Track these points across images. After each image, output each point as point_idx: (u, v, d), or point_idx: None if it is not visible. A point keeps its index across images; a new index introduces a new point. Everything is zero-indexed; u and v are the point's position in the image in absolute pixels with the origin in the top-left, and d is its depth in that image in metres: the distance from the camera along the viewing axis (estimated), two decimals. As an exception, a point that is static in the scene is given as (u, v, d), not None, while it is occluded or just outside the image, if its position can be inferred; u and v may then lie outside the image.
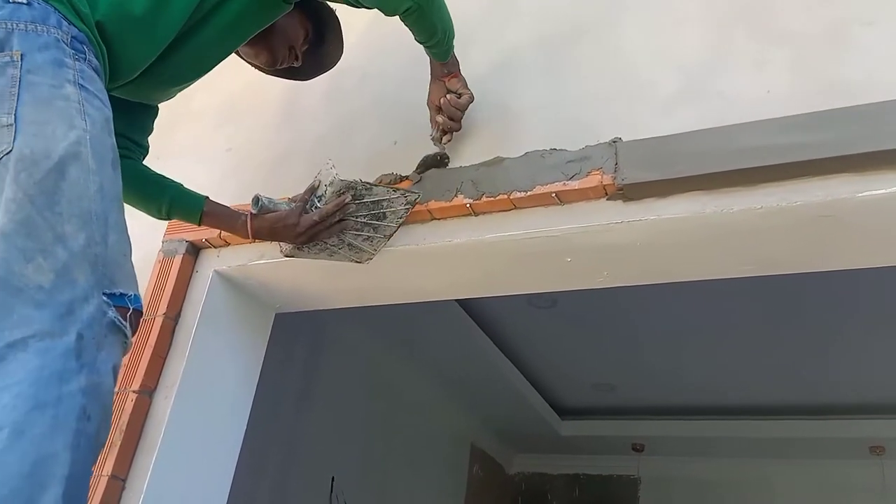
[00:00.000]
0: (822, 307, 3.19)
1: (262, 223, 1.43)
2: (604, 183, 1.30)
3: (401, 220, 1.46)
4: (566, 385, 4.54)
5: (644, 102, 1.36)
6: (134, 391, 1.53)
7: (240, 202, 1.68)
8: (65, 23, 1.09)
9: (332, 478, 3.44)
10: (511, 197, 1.37)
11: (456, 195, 1.43)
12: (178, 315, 1.65)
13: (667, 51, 1.39)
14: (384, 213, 1.42)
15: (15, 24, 1.04)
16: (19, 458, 0.85)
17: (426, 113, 1.61)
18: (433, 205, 1.44)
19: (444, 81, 1.47)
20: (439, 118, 1.47)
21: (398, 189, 1.42)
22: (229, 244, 1.68)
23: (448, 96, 1.46)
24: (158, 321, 1.61)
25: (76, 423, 0.89)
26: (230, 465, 1.64)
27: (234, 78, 1.94)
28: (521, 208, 1.39)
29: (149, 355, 1.57)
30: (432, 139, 1.50)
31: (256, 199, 1.42)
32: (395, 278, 1.61)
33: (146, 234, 1.74)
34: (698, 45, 1.36)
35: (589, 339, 3.91)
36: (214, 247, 1.70)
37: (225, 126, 1.92)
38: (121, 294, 0.99)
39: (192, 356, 1.59)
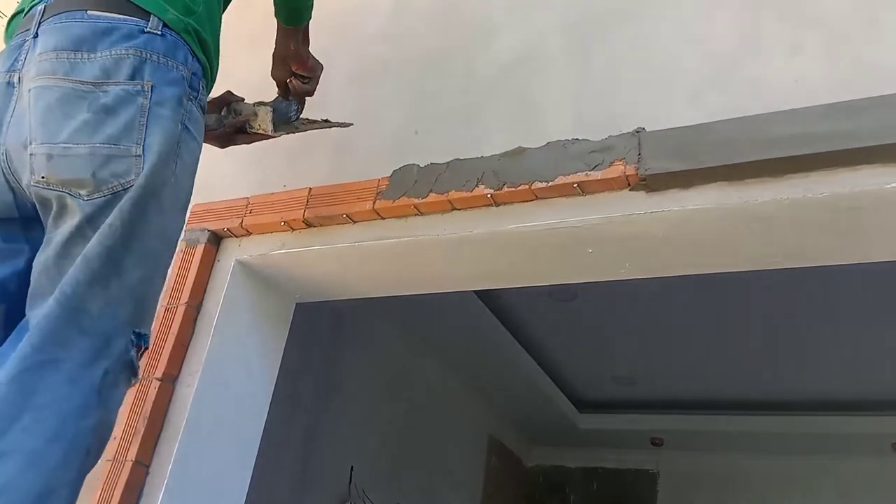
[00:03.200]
0: (849, 300, 3.14)
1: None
2: (627, 173, 1.29)
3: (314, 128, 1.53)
4: (585, 378, 4.52)
5: (670, 91, 1.35)
6: (157, 378, 1.55)
7: (263, 190, 1.69)
8: (190, 58, 1.12)
9: (352, 467, 3.46)
10: (532, 187, 1.37)
11: (477, 185, 1.42)
12: (201, 304, 1.66)
13: (694, 38, 1.37)
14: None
15: (149, 55, 1.06)
16: (29, 487, 0.87)
17: (447, 104, 1.61)
18: (454, 195, 1.44)
19: (293, 67, 1.43)
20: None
21: (329, 123, 1.51)
22: (251, 234, 1.69)
23: (294, 81, 1.45)
24: (181, 310, 1.63)
25: (82, 459, 0.94)
26: (252, 452, 1.65)
27: (255, 65, 1.94)
28: (542, 199, 1.38)
29: (171, 343, 1.58)
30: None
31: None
32: (415, 268, 1.61)
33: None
34: (726, 31, 1.34)
35: (609, 333, 3.89)
36: (236, 236, 1.71)
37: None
38: (144, 334, 1.03)
39: (213, 345, 1.60)
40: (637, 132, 1.32)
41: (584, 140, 1.36)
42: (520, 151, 1.42)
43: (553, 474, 5.31)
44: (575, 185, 1.33)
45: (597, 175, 1.32)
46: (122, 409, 1.51)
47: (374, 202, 1.52)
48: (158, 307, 1.63)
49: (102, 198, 1.00)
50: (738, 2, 1.37)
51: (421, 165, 1.51)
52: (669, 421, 4.61)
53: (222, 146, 1.50)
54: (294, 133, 1.52)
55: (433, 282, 1.69)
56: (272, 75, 1.48)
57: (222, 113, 1.47)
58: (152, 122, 1.04)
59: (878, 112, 1.13)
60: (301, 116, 1.51)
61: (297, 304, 1.85)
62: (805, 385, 4.04)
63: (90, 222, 1.00)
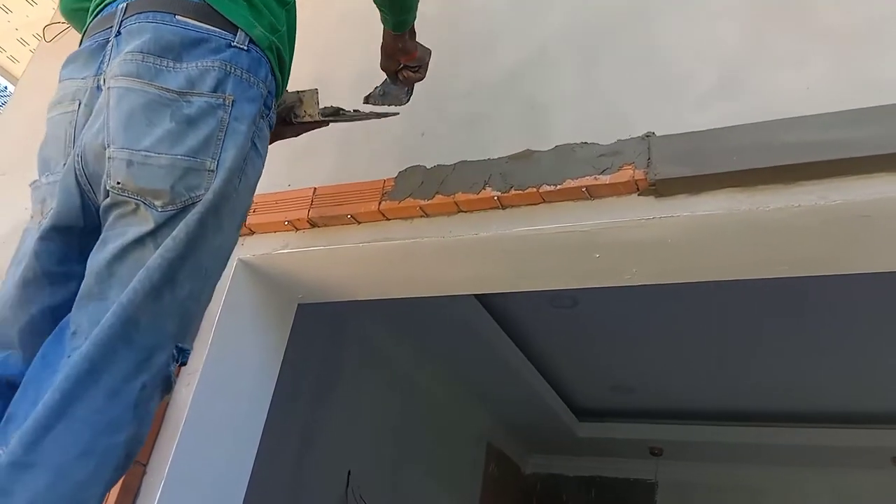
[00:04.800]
0: (852, 312, 3.13)
1: None
2: (635, 178, 1.28)
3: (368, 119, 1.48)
4: (585, 386, 4.50)
5: (679, 97, 1.34)
6: (157, 377, 1.53)
7: (267, 189, 1.67)
8: (270, 75, 1.11)
9: (349, 472, 3.44)
10: (540, 190, 1.35)
11: (484, 188, 1.41)
12: (202, 303, 1.65)
13: (703, 45, 1.36)
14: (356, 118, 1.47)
15: (233, 69, 1.05)
16: (57, 500, 0.85)
17: (454, 106, 1.60)
18: (460, 197, 1.43)
19: (402, 60, 1.41)
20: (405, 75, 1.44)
21: (379, 114, 1.44)
22: (254, 233, 1.68)
23: (405, 72, 1.42)
24: (182, 308, 1.61)
25: (111, 473, 0.91)
26: (250, 454, 1.63)
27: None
28: (549, 202, 1.37)
29: (172, 342, 1.57)
30: (373, 99, 1.47)
31: None
32: (419, 271, 1.60)
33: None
34: (736, 39, 1.34)
35: (609, 341, 3.87)
36: (239, 235, 1.69)
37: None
38: (186, 349, 1.02)
39: (214, 344, 1.58)
40: (647, 136, 1.31)
41: (592, 144, 1.35)
42: (528, 154, 1.41)
43: (551, 482, 5.29)
44: (583, 189, 1.32)
45: (605, 179, 1.31)
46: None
47: (380, 203, 1.50)
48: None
49: (174, 210, 0.99)
50: (748, 12, 1.36)
51: (427, 167, 1.50)
52: (669, 430, 4.60)
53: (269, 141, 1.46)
54: (341, 121, 1.46)
55: (437, 285, 1.68)
56: (381, 67, 1.45)
57: None
58: (229, 138, 1.03)
59: (892, 120, 1.12)
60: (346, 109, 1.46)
61: (298, 304, 1.84)
62: (806, 396, 4.03)
63: (155, 233, 0.98)
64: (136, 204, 0.99)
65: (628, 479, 5.02)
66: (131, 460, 0.95)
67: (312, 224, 1.58)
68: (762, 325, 3.39)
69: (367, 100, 1.47)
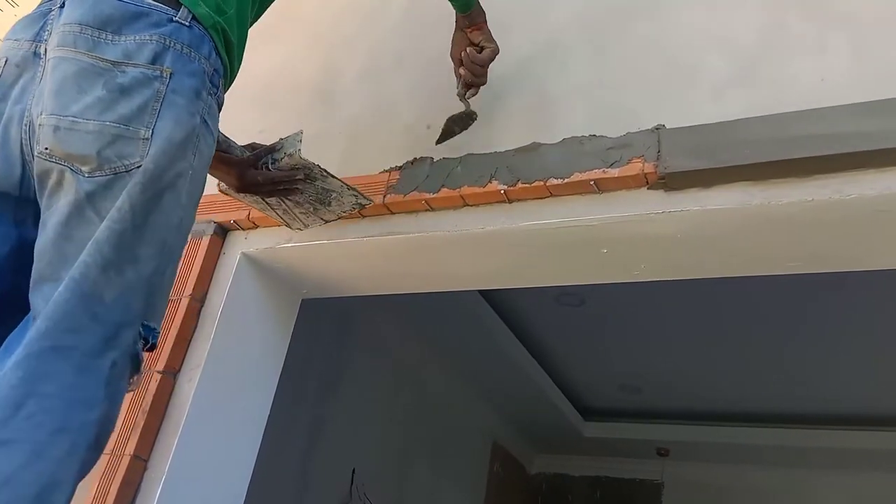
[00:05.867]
0: (865, 310, 3.09)
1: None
2: (645, 171, 1.25)
3: (343, 214, 1.46)
4: (591, 386, 4.48)
5: (690, 88, 1.31)
6: (158, 371, 1.51)
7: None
8: (213, 54, 1.11)
9: (353, 469, 3.42)
10: (547, 184, 1.33)
11: (490, 181, 1.38)
12: (205, 297, 1.63)
13: (716, 34, 1.33)
14: (331, 201, 1.42)
15: (172, 43, 1.05)
16: (34, 480, 0.85)
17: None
18: (466, 190, 1.40)
19: (467, 33, 1.41)
20: (462, 70, 1.41)
21: (353, 189, 1.41)
22: (257, 227, 1.66)
23: (469, 49, 1.40)
24: (184, 302, 1.59)
25: (86, 452, 0.91)
26: (253, 450, 1.61)
27: (267, 59, 1.92)
28: (557, 196, 1.35)
29: (174, 336, 1.55)
30: (458, 95, 1.44)
31: None
32: (425, 266, 1.58)
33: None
34: (749, 28, 1.31)
35: (616, 340, 3.85)
36: (243, 229, 1.68)
37: (257, 107, 1.90)
38: (154, 328, 1.02)
39: (217, 339, 1.57)
40: (656, 129, 1.28)
41: (601, 136, 1.33)
42: (535, 147, 1.38)
43: (556, 482, 5.26)
44: (591, 183, 1.30)
45: (614, 172, 1.28)
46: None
47: (385, 196, 1.48)
48: (162, 299, 1.62)
49: (104, 176, 0.98)
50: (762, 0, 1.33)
51: (433, 160, 1.47)
52: (676, 431, 4.56)
53: (239, 183, 1.38)
54: (309, 208, 1.44)
55: (443, 279, 1.65)
56: (451, 54, 1.44)
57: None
58: (166, 108, 1.02)
59: (910, 112, 1.09)
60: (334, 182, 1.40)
61: (302, 300, 1.82)
62: (816, 397, 3.99)
63: (90, 201, 0.98)
64: (63, 171, 0.99)
65: (634, 479, 4.99)
66: (105, 441, 0.95)
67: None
68: (772, 324, 3.36)
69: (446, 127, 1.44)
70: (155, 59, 1.03)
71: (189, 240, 1.66)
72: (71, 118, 0.99)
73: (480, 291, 3.42)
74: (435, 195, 1.43)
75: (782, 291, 3.01)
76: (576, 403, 4.67)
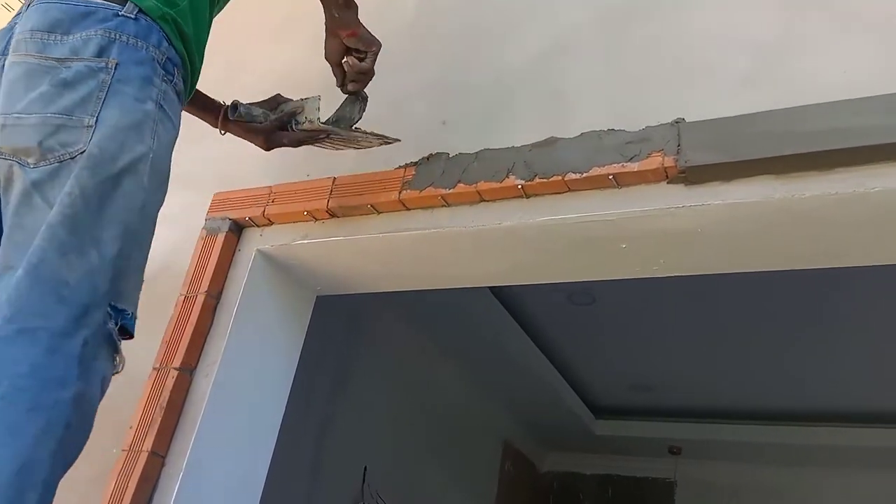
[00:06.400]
0: (875, 308, 3.06)
1: (236, 127, 1.45)
2: (665, 165, 1.24)
3: (371, 146, 1.48)
4: (603, 384, 4.46)
5: (710, 84, 1.30)
6: (175, 368, 1.51)
7: (286, 179, 1.66)
8: (165, 43, 1.13)
9: (365, 467, 3.42)
10: (565, 179, 1.32)
11: (507, 176, 1.38)
12: (220, 293, 1.63)
13: (735, 29, 1.32)
14: (360, 143, 1.47)
15: (118, 35, 1.08)
16: (11, 458, 0.86)
17: (476, 93, 1.57)
18: (483, 186, 1.39)
19: (342, 38, 1.39)
20: (350, 86, 1.42)
21: (378, 135, 1.43)
22: (273, 223, 1.66)
23: (350, 60, 1.40)
24: (200, 299, 1.59)
25: (62, 430, 0.91)
26: (269, 445, 1.61)
27: (278, 56, 1.92)
28: (575, 191, 1.33)
29: (190, 333, 1.55)
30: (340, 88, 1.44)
31: (234, 107, 1.42)
32: (440, 262, 1.57)
33: (189, 211, 1.73)
34: (770, 20, 1.29)
35: (627, 338, 3.83)
36: (258, 226, 1.68)
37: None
38: (123, 310, 1.02)
39: (233, 335, 1.57)
40: (676, 122, 1.27)
41: (619, 130, 1.32)
42: (552, 142, 1.37)
43: (568, 481, 5.25)
44: (610, 177, 1.29)
45: (633, 167, 1.27)
46: (138, 398, 1.50)
47: (400, 192, 1.48)
48: (178, 296, 1.62)
49: (48, 165, 1.01)
50: (783, -10, 1.32)
51: (449, 155, 1.47)
52: (688, 429, 4.54)
53: (267, 147, 1.46)
54: (340, 137, 1.45)
55: (459, 276, 1.65)
56: (326, 57, 1.43)
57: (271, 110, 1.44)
58: (112, 97, 1.05)
59: (936, 103, 1.07)
60: (356, 128, 1.44)
61: (317, 296, 1.81)
62: (828, 395, 3.96)
63: (37, 188, 1.01)
64: (12, 165, 1.03)
65: (647, 477, 4.97)
66: (86, 422, 0.96)
67: (332, 214, 1.56)
68: (783, 322, 3.34)
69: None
70: (101, 53, 1.06)
71: (204, 236, 1.67)
72: (16, 115, 1.04)
73: (491, 289, 3.41)
74: (451, 191, 1.42)
75: (792, 288, 3.00)
76: (587, 401, 4.65)
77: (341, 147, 1.51)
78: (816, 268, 1.33)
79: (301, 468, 3.00)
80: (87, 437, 0.97)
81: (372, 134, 1.44)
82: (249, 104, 1.43)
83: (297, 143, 1.46)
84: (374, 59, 1.41)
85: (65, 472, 0.93)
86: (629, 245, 1.36)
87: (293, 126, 1.40)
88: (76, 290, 0.96)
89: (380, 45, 1.41)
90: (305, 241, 1.59)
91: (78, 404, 0.94)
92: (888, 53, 1.18)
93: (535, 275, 1.60)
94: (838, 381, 3.75)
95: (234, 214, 1.67)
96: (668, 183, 1.26)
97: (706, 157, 1.21)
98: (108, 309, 0.99)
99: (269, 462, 1.62)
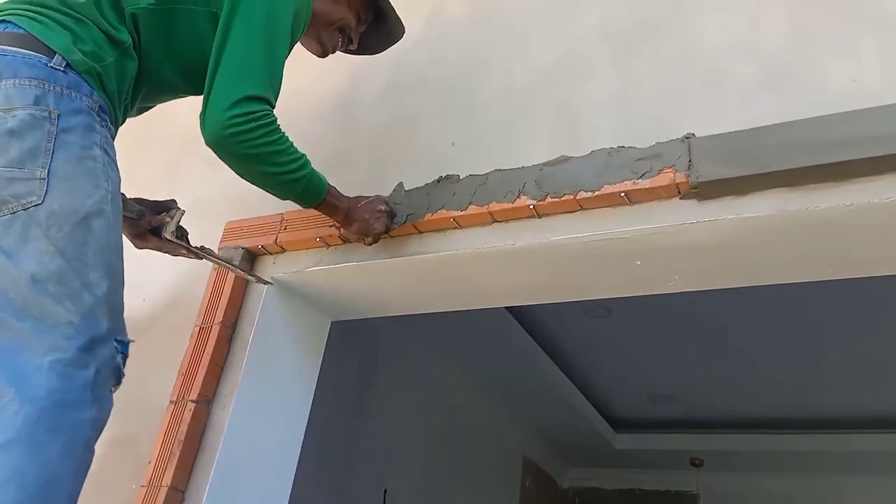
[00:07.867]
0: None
1: None
2: (677, 181, 1.23)
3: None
4: (622, 397, 4.42)
5: (720, 96, 1.29)
6: (192, 401, 1.51)
7: (297, 207, 1.65)
8: (95, 94, 1.17)
9: (385, 490, 3.40)
10: (577, 197, 1.31)
11: (518, 196, 1.37)
12: (235, 323, 1.63)
13: (744, 39, 1.31)
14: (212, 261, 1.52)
15: (51, 86, 1.11)
16: (37, 471, 0.93)
17: (485, 113, 1.57)
18: (495, 206, 1.39)
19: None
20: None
21: (231, 265, 1.54)
22: (285, 250, 1.66)
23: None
24: (216, 330, 1.59)
25: (82, 451, 0.99)
26: (289, 474, 1.60)
27: (288, 76, 1.92)
28: (587, 209, 1.33)
29: (206, 364, 1.55)
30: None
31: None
32: (454, 285, 1.56)
33: (202, 240, 1.72)
34: (778, 31, 1.29)
35: (645, 350, 3.80)
36: (271, 253, 1.68)
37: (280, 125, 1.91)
38: (124, 342, 1.09)
39: (249, 365, 1.56)
40: (686, 138, 1.26)
41: (630, 147, 1.31)
42: (563, 160, 1.37)
43: (589, 495, 5.19)
44: (622, 195, 1.28)
45: (645, 183, 1.26)
46: (156, 432, 1.49)
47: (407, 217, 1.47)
48: (193, 327, 1.62)
49: (2, 216, 1.04)
50: (790, 2, 1.31)
51: (460, 177, 1.46)
52: (710, 440, 4.49)
53: (136, 243, 1.44)
54: (193, 257, 1.47)
55: (472, 298, 1.64)
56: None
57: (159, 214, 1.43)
58: (59, 149, 1.08)
59: (950, 110, 1.06)
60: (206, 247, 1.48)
61: (332, 322, 1.81)
62: (852, 403, 3.90)
63: None
64: None
65: (669, 490, 4.91)
66: (93, 448, 1.01)
67: (344, 240, 1.56)
68: (802, 329, 3.30)
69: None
70: (38, 101, 1.09)
71: (218, 267, 1.68)
72: None
73: (507, 306, 3.40)
74: (463, 212, 1.42)
75: (815, 296, 2.96)
76: (606, 415, 4.61)
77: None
78: (834, 279, 1.31)
79: (323, 492, 2.99)
80: (91, 462, 1.02)
81: (229, 266, 1.54)
82: (137, 199, 1.43)
83: (160, 250, 1.45)
84: (377, 240, 1.47)
85: (79, 494, 0.99)
86: (644, 262, 1.35)
87: (162, 234, 1.40)
88: (81, 328, 1.02)
89: (382, 231, 1.44)
90: (318, 268, 1.59)
91: (95, 427, 1.01)
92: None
93: (549, 294, 1.59)
94: (865, 387, 3.70)
95: (247, 243, 1.67)
96: (680, 199, 1.25)
97: (718, 171, 1.20)
98: (115, 343, 1.06)
99: (290, 491, 1.61)
